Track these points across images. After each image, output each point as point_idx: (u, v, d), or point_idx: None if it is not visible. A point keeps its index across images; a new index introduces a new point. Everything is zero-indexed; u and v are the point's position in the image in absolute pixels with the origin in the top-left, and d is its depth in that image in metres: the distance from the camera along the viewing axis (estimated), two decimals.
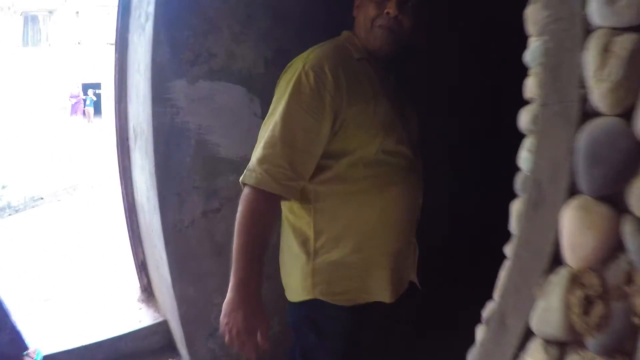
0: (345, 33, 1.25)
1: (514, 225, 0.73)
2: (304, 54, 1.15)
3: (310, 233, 1.17)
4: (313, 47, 1.17)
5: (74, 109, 14.88)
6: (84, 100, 15.51)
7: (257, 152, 1.08)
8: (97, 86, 15.58)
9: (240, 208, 1.06)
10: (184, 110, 1.65)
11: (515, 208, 0.73)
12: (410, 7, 1.15)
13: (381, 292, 1.22)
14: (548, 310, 0.61)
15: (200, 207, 1.71)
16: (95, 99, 15.78)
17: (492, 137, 2.53)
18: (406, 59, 1.30)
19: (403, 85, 1.36)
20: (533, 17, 0.69)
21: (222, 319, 1.05)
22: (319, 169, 1.13)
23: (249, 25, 1.71)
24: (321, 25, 1.45)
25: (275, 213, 1.14)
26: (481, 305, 0.81)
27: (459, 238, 2.62)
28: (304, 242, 1.18)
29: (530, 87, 0.71)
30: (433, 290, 1.47)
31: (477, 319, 0.80)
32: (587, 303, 0.56)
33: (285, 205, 1.19)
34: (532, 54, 0.70)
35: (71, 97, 14.75)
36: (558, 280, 0.60)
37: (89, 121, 15.06)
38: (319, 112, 1.07)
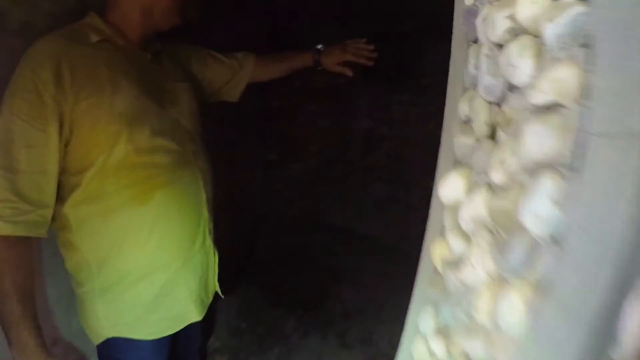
0: (88, 15, 1.09)
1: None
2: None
3: (87, 267, 1.06)
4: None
5: None
6: None
7: None
8: None
9: None
10: None
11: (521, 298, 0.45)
12: None
13: (188, 314, 1.16)
14: None
15: None
16: None
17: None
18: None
19: (168, 60, 1.24)
20: None
21: None
22: (67, 189, 1.01)
23: None
24: None
25: (25, 253, 0.97)
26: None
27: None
28: (84, 278, 1.08)
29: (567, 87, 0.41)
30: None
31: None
32: None
33: (56, 237, 1.06)
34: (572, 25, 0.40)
35: None
36: None
37: None
38: (41, 119, 0.93)
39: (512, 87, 0.50)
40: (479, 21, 0.54)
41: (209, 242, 1.22)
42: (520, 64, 0.45)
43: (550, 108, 0.43)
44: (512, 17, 0.47)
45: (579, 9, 0.38)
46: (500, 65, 0.48)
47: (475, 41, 0.57)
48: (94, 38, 1.05)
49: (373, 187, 4.34)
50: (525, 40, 0.45)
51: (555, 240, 0.43)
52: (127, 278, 1.08)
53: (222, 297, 1.29)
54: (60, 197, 1.01)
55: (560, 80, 0.41)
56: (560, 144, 0.42)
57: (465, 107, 0.60)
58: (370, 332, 2.38)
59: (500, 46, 0.50)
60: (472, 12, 0.57)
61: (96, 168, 1.01)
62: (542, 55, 0.44)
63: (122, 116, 1.01)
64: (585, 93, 0.39)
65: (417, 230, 3.65)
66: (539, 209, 0.44)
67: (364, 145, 4.22)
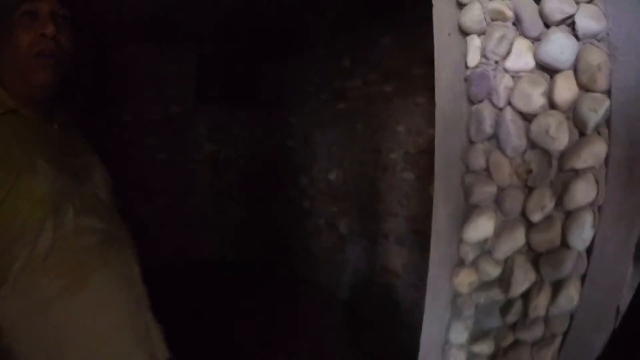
0: None
1: None
2: None
3: None
4: None
5: None
6: None
7: None
8: None
9: None
10: None
11: None
12: (63, 22, 1.06)
13: None
14: None
15: None
16: None
17: None
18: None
19: (73, 131, 1.22)
20: None
21: None
22: None
23: None
24: None
25: None
26: None
27: None
28: None
29: None
30: None
31: None
32: None
33: None
34: None
35: None
36: None
37: None
38: None
39: (533, 146, 0.76)
40: (500, 88, 0.79)
41: (150, 315, 1.19)
42: (559, 135, 0.72)
43: (586, 169, 0.71)
44: (545, 95, 0.73)
45: (608, 102, 0.66)
46: (533, 132, 0.74)
47: (480, 101, 0.82)
48: None
49: (229, 211, 4.43)
50: (559, 116, 0.72)
51: (588, 251, 0.71)
52: None
53: None
54: None
55: (596, 152, 0.69)
56: (594, 192, 0.70)
57: (480, 160, 0.84)
58: None
59: (522, 114, 0.76)
60: (484, 76, 0.82)
61: (22, 261, 0.94)
62: (571, 130, 0.71)
63: (45, 201, 0.96)
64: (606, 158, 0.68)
65: (284, 245, 4.04)
66: (584, 233, 0.71)
67: (212, 171, 4.26)
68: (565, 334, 0.93)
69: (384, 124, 3.27)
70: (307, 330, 3.30)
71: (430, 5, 0.93)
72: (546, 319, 0.92)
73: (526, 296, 0.91)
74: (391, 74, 3.19)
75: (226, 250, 4.47)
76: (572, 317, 0.92)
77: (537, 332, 0.93)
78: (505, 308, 0.95)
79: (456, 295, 1.00)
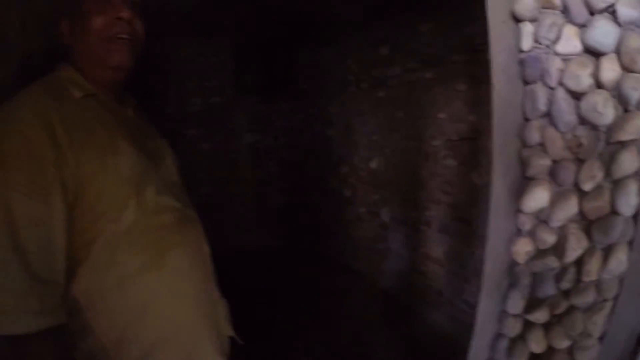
0: (61, 67, 1.10)
1: None
2: None
3: (101, 352, 1.01)
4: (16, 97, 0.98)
5: None
6: None
7: None
8: None
9: None
10: None
11: None
12: (135, 8, 1.10)
13: None
14: None
15: None
16: None
17: None
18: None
19: (143, 115, 1.29)
20: None
21: None
22: (72, 264, 0.98)
23: None
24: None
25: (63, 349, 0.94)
26: None
27: None
28: None
29: None
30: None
31: None
32: None
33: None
34: None
35: None
36: None
37: None
38: (43, 190, 0.91)
39: (583, 121, 0.86)
40: (552, 69, 0.89)
41: (217, 293, 1.26)
42: (605, 112, 0.82)
43: (631, 141, 0.80)
44: (592, 75, 0.83)
45: None
46: (582, 109, 0.85)
47: (534, 81, 0.92)
48: (77, 94, 1.03)
49: (271, 200, 4.60)
50: (605, 95, 0.83)
51: (635, 217, 0.80)
52: (151, 355, 1.05)
53: (242, 343, 1.31)
54: (66, 274, 0.97)
55: (639, 126, 0.78)
56: (638, 162, 0.79)
57: (535, 136, 0.94)
58: None
59: (572, 92, 0.86)
60: (537, 59, 0.92)
61: (105, 237, 0.98)
62: (616, 106, 0.81)
63: (129, 180, 1.01)
64: None
65: (325, 230, 4.19)
66: (630, 200, 0.81)
67: (253, 160, 4.43)
68: (615, 299, 1.02)
69: (425, 111, 3.35)
70: (348, 318, 3.41)
71: None
72: (598, 284, 0.99)
73: (579, 262, 1.00)
74: (431, 61, 3.27)
75: (268, 238, 4.67)
76: (621, 281, 0.98)
77: (590, 297, 1.00)
78: (560, 275, 1.03)
79: (513, 264, 1.10)
